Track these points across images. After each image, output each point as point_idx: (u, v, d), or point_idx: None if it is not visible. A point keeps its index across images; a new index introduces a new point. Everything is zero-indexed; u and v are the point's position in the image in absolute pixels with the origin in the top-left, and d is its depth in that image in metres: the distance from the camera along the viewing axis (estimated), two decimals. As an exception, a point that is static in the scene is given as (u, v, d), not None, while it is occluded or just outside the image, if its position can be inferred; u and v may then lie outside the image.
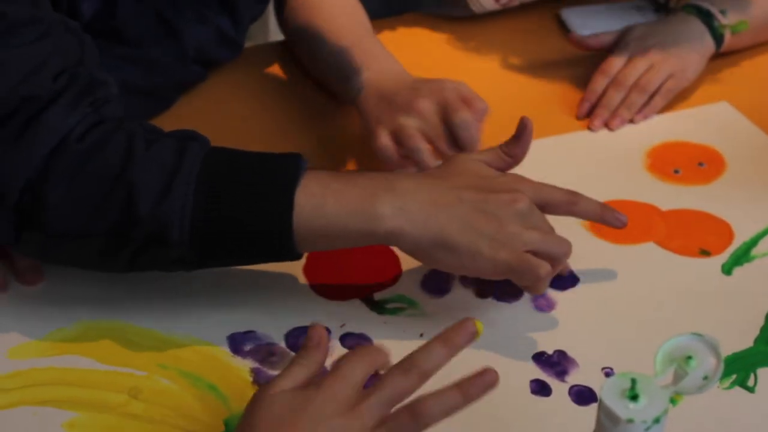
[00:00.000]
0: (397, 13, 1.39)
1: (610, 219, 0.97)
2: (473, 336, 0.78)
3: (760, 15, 1.31)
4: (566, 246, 0.92)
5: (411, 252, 0.91)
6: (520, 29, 1.38)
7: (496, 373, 0.75)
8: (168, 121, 1.17)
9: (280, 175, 0.89)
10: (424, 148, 1.03)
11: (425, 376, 0.76)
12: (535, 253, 0.90)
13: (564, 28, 1.37)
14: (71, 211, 0.87)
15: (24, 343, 0.93)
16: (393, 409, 0.75)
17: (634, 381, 0.59)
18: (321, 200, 0.88)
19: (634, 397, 0.60)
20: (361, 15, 1.23)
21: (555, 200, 0.95)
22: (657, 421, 0.59)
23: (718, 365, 0.64)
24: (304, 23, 1.23)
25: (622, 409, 0.59)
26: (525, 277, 0.90)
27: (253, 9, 1.23)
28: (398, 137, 1.05)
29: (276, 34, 1.30)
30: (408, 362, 0.77)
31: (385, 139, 1.05)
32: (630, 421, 0.59)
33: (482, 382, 0.75)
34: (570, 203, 0.96)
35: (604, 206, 0.97)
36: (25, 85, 0.87)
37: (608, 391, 0.60)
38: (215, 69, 1.23)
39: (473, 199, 0.90)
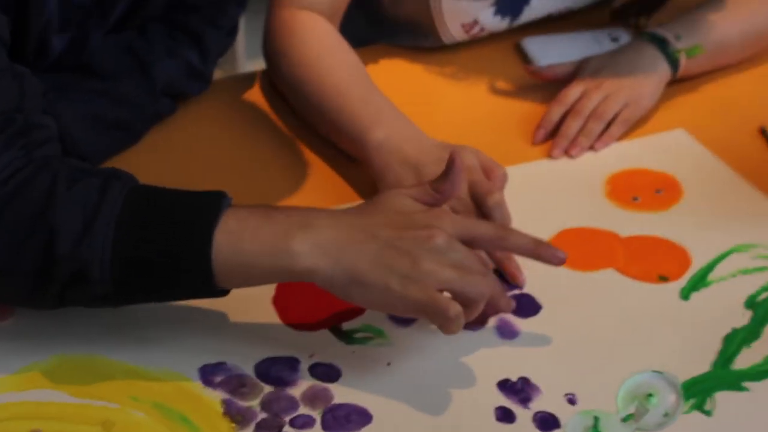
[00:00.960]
0: (363, 45, 1.39)
1: (546, 255, 0.94)
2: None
3: (716, 39, 1.32)
4: (484, 287, 0.89)
5: (327, 288, 0.89)
6: (486, 59, 1.38)
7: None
8: (138, 154, 1.18)
9: (199, 214, 0.88)
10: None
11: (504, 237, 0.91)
12: (452, 292, 0.88)
13: (525, 57, 1.38)
14: None
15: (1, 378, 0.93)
16: None
17: (597, 419, 0.60)
18: (239, 238, 0.87)
19: None
20: (362, 69, 1.21)
21: (482, 235, 0.93)
22: None
23: (678, 402, 0.65)
24: (304, 77, 1.20)
25: None
26: (434, 318, 0.87)
27: (222, 43, 1.23)
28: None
29: (243, 66, 1.31)
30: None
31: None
32: None
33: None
34: (499, 238, 0.94)
35: (539, 242, 0.94)
36: None
37: (572, 429, 0.61)
38: (184, 102, 1.23)
39: (388, 236, 0.89)
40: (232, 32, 1.25)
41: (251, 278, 0.90)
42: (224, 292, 0.91)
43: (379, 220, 0.91)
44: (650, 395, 0.65)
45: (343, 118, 1.14)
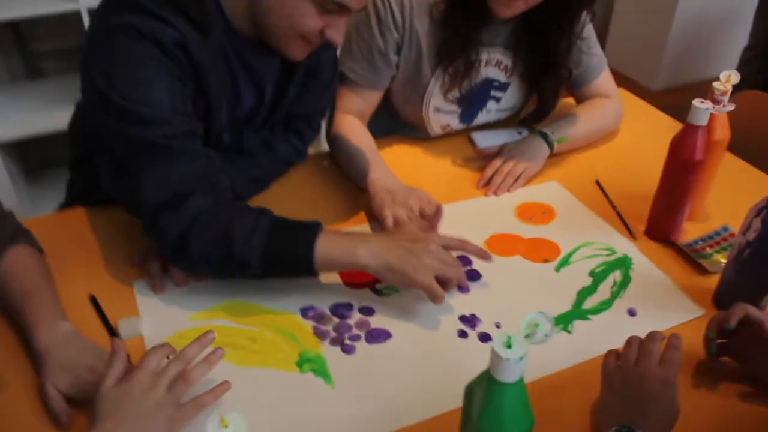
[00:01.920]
0: (387, 135, 1.34)
1: (484, 256, 0.97)
2: (215, 362, 0.78)
3: (574, 134, 1.29)
4: (455, 273, 0.91)
5: (374, 274, 0.89)
6: (452, 144, 1.33)
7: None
8: (269, 196, 1.14)
9: (308, 232, 0.88)
10: (410, 227, 1.01)
11: (188, 361, 0.76)
12: (440, 276, 0.89)
13: (473, 143, 1.33)
14: (201, 247, 0.87)
15: (197, 312, 0.93)
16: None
17: (509, 337, 0.60)
18: (328, 246, 0.88)
19: (509, 346, 0.60)
20: (373, 144, 1.17)
21: (452, 245, 0.94)
22: (521, 358, 0.59)
23: (551, 329, 0.64)
24: (341, 142, 1.18)
25: (504, 352, 0.60)
26: (429, 294, 0.89)
27: (312, 135, 1.19)
28: (397, 219, 1.02)
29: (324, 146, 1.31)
30: (181, 354, 0.76)
31: (389, 221, 1.01)
32: (507, 359, 0.59)
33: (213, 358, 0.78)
34: (461, 246, 0.95)
35: (482, 250, 0.97)
36: (184, 185, 0.87)
37: (496, 343, 0.59)
38: (293, 167, 1.20)
39: (406, 246, 0.90)
40: (318, 128, 1.20)
41: (333, 268, 0.91)
42: (317, 274, 0.91)
43: (401, 238, 0.91)
44: (537, 324, 0.66)
45: (359, 168, 1.12)
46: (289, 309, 0.95)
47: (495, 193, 1.21)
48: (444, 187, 1.20)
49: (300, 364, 0.87)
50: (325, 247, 0.88)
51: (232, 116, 1.02)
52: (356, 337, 0.91)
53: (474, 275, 1.03)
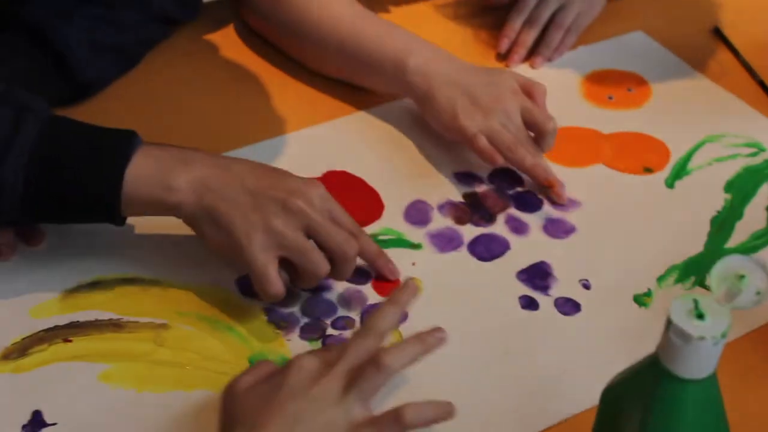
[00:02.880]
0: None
1: (381, 267, 0.93)
2: (416, 292, 0.81)
3: None
4: (321, 267, 0.87)
5: (189, 224, 0.88)
6: None
7: (445, 332, 0.78)
8: (135, 78, 1.15)
9: (112, 147, 0.86)
10: (529, 158, 1.02)
11: (382, 336, 0.78)
12: (291, 260, 0.86)
13: None
14: None
15: (44, 302, 0.90)
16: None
17: (696, 301, 0.60)
18: (143, 172, 0.85)
19: (700, 316, 0.60)
20: (360, 5, 1.14)
21: (342, 222, 0.90)
22: (724, 335, 0.60)
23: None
24: (312, 18, 1.12)
25: (692, 327, 0.60)
26: (255, 284, 0.86)
27: None
28: (494, 141, 1.01)
29: None
30: (365, 327, 0.78)
31: (485, 142, 1.01)
32: (701, 338, 0.60)
33: (437, 336, 0.78)
34: (357, 234, 0.91)
35: (379, 253, 0.93)
36: None
37: (676, 313, 0.60)
38: (177, 27, 1.20)
39: (254, 186, 0.87)
40: None
41: (143, 209, 0.88)
42: (124, 220, 0.89)
43: (254, 172, 0.88)
44: (742, 276, 0.65)
45: (372, 51, 1.08)
46: (219, 282, 0.93)
47: (531, 65, 1.23)
48: None
49: None
50: (140, 175, 0.85)
51: None
52: (344, 322, 0.91)
53: (531, 201, 1.04)
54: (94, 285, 0.92)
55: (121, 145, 0.86)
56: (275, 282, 0.85)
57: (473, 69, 1.08)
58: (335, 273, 0.88)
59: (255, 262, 0.84)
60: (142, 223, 0.95)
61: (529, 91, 1.07)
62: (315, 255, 0.86)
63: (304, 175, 0.91)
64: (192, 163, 0.87)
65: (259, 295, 0.87)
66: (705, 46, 1.26)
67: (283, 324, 0.90)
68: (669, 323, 0.61)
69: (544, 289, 0.94)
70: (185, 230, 0.91)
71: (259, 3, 1.17)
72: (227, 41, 1.22)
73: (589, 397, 0.72)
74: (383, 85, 1.11)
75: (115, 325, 0.89)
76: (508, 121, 1.03)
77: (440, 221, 0.99)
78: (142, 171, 0.85)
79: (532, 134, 1.05)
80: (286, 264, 0.86)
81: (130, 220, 0.91)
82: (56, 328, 0.88)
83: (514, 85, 1.06)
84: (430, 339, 0.78)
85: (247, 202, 0.85)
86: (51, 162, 0.84)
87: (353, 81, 1.13)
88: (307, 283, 0.88)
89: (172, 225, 0.90)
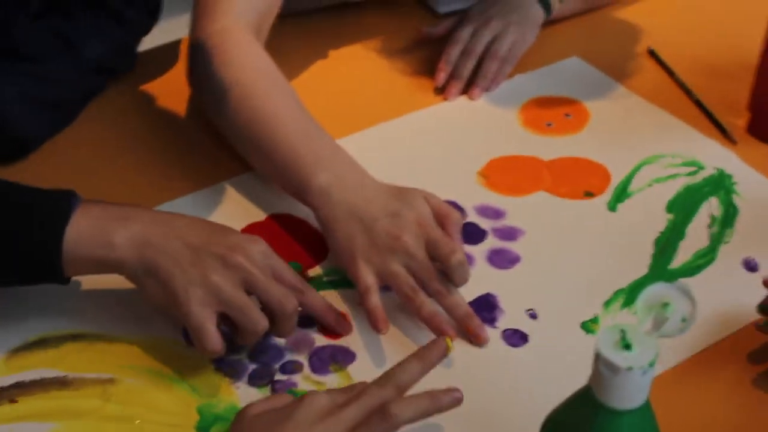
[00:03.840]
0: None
1: (330, 322, 0.91)
2: (445, 352, 0.80)
3: None
4: (259, 324, 0.85)
5: (131, 281, 0.87)
6: (378, 16, 1.36)
7: (461, 392, 0.78)
8: (73, 133, 1.14)
9: (52, 207, 0.85)
10: (426, 308, 0.91)
11: (401, 390, 0.78)
12: (229, 315, 0.85)
13: (428, 9, 1.37)
14: None
15: None
16: None
17: (623, 332, 0.60)
18: (84, 230, 0.85)
19: (627, 347, 0.60)
20: (298, 99, 1.05)
21: (287, 281, 0.88)
22: (651, 365, 0.60)
23: (694, 307, 0.65)
24: (237, 106, 1.03)
25: (620, 359, 0.59)
26: (194, 339, 0.84)
27: (144, 23, 1.20)
28: (392, 286, 0.93)
29: (168, 35, 1.25)
30: (385, 377, 0.78)
31: (374, 302, 0.92)
32: (629, 369, 0.59)
33: (452, 395, 0.78)
34: (299, 292, 0.88)
35: (329, 308, 0.91)
36: None
37: (603, 344, 0.60)
38: (113, 78, 1.20)
39: (194, 243, 0.85)
40: (154, 13, 1.20)
41: (87, 268, 0.87)
42: (68, 279, 0.88)
43: (195, 228, 0.87)
44: (666, 304, 0.65)
45: (283, 157, 0.99)
46: (163, 333, 0.92)
47: (470, 96, 1.22)
48: (384, 94, 1.21)
49: (204, 428, 0.85)
50: (80, 235, 0.84)
51: None
52: (293, 366, 0.90)
53: (475, 233, 1.03)
54: (40, 343, 0.91)
55: (59, 205, 0.85)
56: (212, 337, 0.83)
57: (380, 194, 0.96)
58: (276, 329, 0.87)
59: (192, 317, 0.83)
60: (86, 280, 0.94)
61: (442, 218, 0.96)
62: (252, 312, 0.85)
63: (247, 219, 0.90)
64: (132, 219, 0.86)
65: (198, 350, 0.85)
66: (641, 68, 1.27)
67: (230, 371, 0.89)
68: (597, 355, 0.60)
69: (490, 321, 0.93)
70: (130, 284, 0.90)
71: (194, 75, 1.11)
72: (165, 90, 1.22)
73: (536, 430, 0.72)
74: (290, 193, 1.01)
75: (60, 383, 0.88)
76: (411, 260, 0.92)
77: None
78: (82, 230, 0.84)
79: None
80: (227, 319, 0.85)
81: (75, 277, 0.90)
82: (1, 389, 0.86)
83: (422, 213, 0.95)
84: (444, 398, 0.77)
85: (187, 256, 0.84)
86: None
87: (267, 179, 1.06)
88: (246, 339, 0.86)
89: (116, 281, 0.89)
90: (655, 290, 0.65)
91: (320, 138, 1.01)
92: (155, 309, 0.89)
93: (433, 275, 0.92)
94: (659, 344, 0.61)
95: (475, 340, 0.91)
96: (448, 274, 0.93)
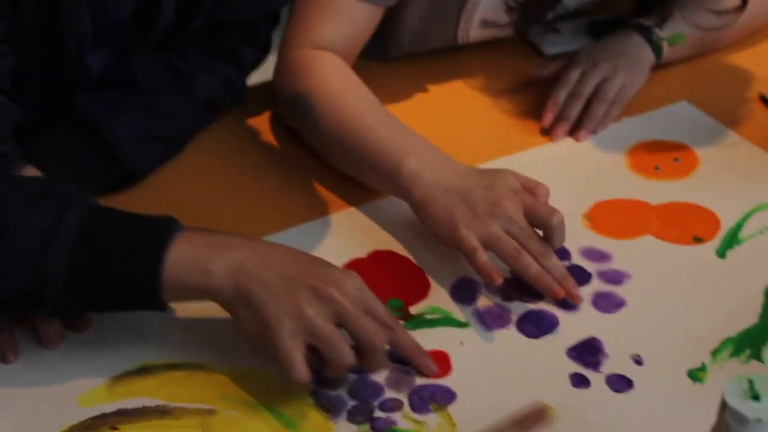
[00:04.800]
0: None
1: (419, 362, 0.90)
2: (545, 420, 0.81)
3: (695, 31, 1.31)
4: (348, 358, 0.85)
5: (225, 308, 0.88)
6: (491, 56, 1.37)
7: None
8: (180, 164, 1.15)
9: (150, 237, 0.86)
10: (533, 267, 0.96)
11: None
12: (319, 347, 0.85)
13: (535, 50, 1.37)
14: None
15: (91, 390, 0.89)
16: None
17: (752, 382, 0.59)
18: (183, 260, 0.85)
19: (755, 397, 0.59)
20: (381, 106, 1.11)
21: (377, 316, 0.87)
22: None
23: None
24: (326, 114, 1.10)
25: (748, 409, 0.59)
26: (280, 368, 0.84)
27: (255, 59, 1.21)
28: (495, 249, 0.97)
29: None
30: None
31: (484, 259, 0.96)
32: (758, 420, 0.58)
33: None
34: (388, 329, 0.88)
35: (417, 348, 0.90)
36: None
37: (731, 394, 0.59)
38: (222, 113, 1.21)
39: (290, 273, 0.86)
40: (266, 48, 1.22)
41: (186, 296, 0.88)
42: (166, 305, 0.88)
43: (291, 259, 0.88)
44: None
45: (372, 152, 1.05)
46: (262, 364, 0.92)
47: (576, 138, 1.22)
48: (489, 134, 1.21)
49: None
50: (179, 261, 0.85)
51: (101, 24, 1.02)
52: (392, 404, 0.89)
53: (578, 276, 1.02)
54: (140, 371, 0.92)
55: (160, 232, 0.86)
56: (300, 368, 0.84)
57: (470, 172, 1.02)
58: (365, 364, 0.87)
59: (282, 346, 0.84)
60: (185, 308, 0.94)
61: (531, 189, 1.01)
62: (341, 346, 0.85)
63: (349, 255, 0.90)
64: (230, 247, 0.87)
65: (283, 380, 0.85)
66: (751, 114, 1.26)
67: (330, 407, 0.89)
68: (724, 405, 0.59)
69: (594, 365, 0.92)
70: (227, 315, 0.90)
71: (283, 95, 1.17)
72: (271, 124, 1.23)
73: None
74: (383, 187, 1.07)
75: (161, 412, 0.88)
76: (511, 224, 0.97)
77: (487, 299, 0.98)
78: (181, 256, 0.85)
79: (540, 232, 1.00)
80: (316, 351, 0.86)
81: (175, 305, 0.91)
82: (103, 416, 0.87)
83: (514, 184, 1.00)
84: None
85: (281, 286, 0.85)
86: (92, 253, 0.85)
87: (359, 180, 1.11)
88: (332, 372, 0.87)
89: (214, 310, 0.90)
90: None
91: (408, 132, 1.07)
92: (245, 339, 0.89)
93: (534, 237, 0.97)
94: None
95: (571, 299, 0.96)
96: (547, 236, 0.98)
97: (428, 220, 1.00)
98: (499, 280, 0.95)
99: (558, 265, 0.97)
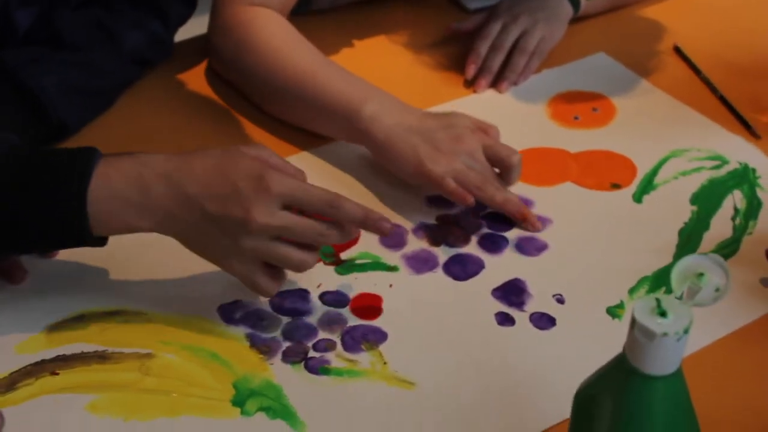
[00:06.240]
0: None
1: (372, 227, 0.89)
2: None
3: None
4: (300, 261, 0.87)
5: (180, 241, 0.89)
6: (412, 11, 1.38)
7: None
8: (111, 120, 1.15)
9: (72, 165, 0.85)
10: (499, 195, 1.02)
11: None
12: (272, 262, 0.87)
13: (457, 4, 1.38)
14: None
15: (29, 338, 0.90)
16: None
17: (658, 300, 0.61)
18: (111, 186, 0.85)
19: (663, 314, 0.61)
20: (323, 55, 1.13)
21: (314, 200, 0.87)
22: (686, 331, 0.61)
23: (727, 278, 0.66)
24: (274, 66, 1.12)
25: (656, 325, 0.61)
26: (247, 285, 0.88)
27: (182, 14, 1.21)
28: (461, 182, 1.00)
29: (202, 27, 1.27)
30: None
31: (454, 184, 1.00)
32: (665, 334, 0.61)
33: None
34: (331, 206, 0.87)
35: (368, 213, 0.88)
36: None
37: (640, 312, 0.61)
38: (150, 69, 1.21)
39: (212, 213, 0.85)
40: (191, 3, 1.21)
41: (114, 228, 0.87)
42: (102, 241, 0.88)
43: (208, 190, 0.86)
44: (701, 274, 0.66)
45: (329, 100, 1.07)
46: (198, 312, 0.93)
47: (497, 89, 1.24)
48: (413, 87, 1.22)
49: (240, 402, 0.86)
50: (103, 188, 0.84)
51: None
52: (326, 344, 0.91)
53: (502, 220, 1.04)
54: (78, 319, 0.93)
55: (81, 162, 0.84)
56: (265, 286, 0.88)
57: (427, 115, 1.07)
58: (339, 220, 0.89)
59: (240, 276, 0.88)
60: (124, 258, 0.95)
61: (483, 130, 1.07)
62: (291, 258, 0.87)
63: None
64: (149, 187, 0.85)
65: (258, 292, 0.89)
66: (666, 65, 1.28)
67: (265, 349, 0.90)
68: (633, 322, 0.62)
69: (519, 305, 0.95)
70: (168, 264, 0.93)
71: (223, 51, 1.18)
72: (200, 80, 1.23)
73: (566, 408, 0.73)
74: (339, 133, 1.10)
75: (100, 357, 0.89)
76: (472, 161, 1.02)
77: (415, 243, 1.00)
78: (103, 194, 0.84)
79: (496, 170, 1.05)
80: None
81: (113, 255, 0.92)
82: (43, 362, 0.88)
83: (470, 124, 1.05)
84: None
85: (213, 229, 0.86)
86: (14, 187, 0.84)
87: (312, 129, 1.13)
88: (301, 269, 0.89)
89: (151, 259, 0.92)
90: (690, 261, 0.65)
91: (361, 81, 1.09)
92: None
93: (492, 174, 1.03)
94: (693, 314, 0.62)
95: (532, 225, 1.02)
96: (504, 174, 1.04)
97: (392, 159, 1.03)
98: (471, 200, 0.99)
99: (515, 196, 1.03)
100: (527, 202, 1.06)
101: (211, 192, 0.85)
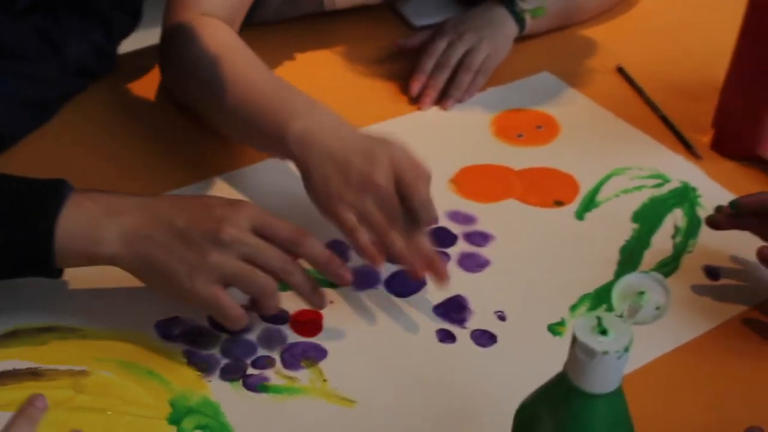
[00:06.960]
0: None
1: (332, 274, 0.89)
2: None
3: (557, 3, 1.35)
4: (266, 284, 0.86)
5: (132, 273, 0.88)
6: (354, 28, 1.38)
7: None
8: (52, 131, 1.14)
9: (42, 200, 0.85)
10: (397, 244, 0.93)
11: None
12: (237, 286, 0.87)
13: (404, 20, 1.39)
14: None
15: None
16: None
17: (599, 318, 0.62)
18: (75, 224, 0.85)
19: (603, 332, 0.61)
20: (268, 69, 1.08)
21: (277, 235, 0.87)
22: (627, 349, 0.61)
23: (668, 297, 0.66)
24: (210, 77, 1.06)
25: (596, 343, 0.61)
26: (216, 315, 0.87)
27: (127, 26, 1.20)
28: (363, 221, 0.94)
29: (147, 40, 1.26)
30: None
31: (365, 240, 0.93)
32: (605, 353, 0.61)
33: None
34: (293, 243, 0.88)
35: (331, 259, 0.89)
36: None
37: (580, 330, 0.61)
38: (93, 81, 1.20)
39: (182, 226, 0.86)
40: (137, 15, 1.20)
41: (77, 261, 0.87)
42: (60, 272, 0.89)
43: (180, 210, 0.88)
44: (642, 293, 0.66)
45: (258, 114, 1.01)
46: (134, 327, 0.93)
47: (442, 107, 1.24)
48: (357, 102, 1.22)
49: (176, 420, 0.85)
50: (71, 225, 0.85)
51: None
52: (265, 361, 0.91)
53: (445, 237, 1.04)
54: (11, 335, 0.91)
55: (50, 196, 0.85)
56: (231, 309, 0.86)
57: (354, 138, 0.97)
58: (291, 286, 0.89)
59: (203, 298, 0.85)
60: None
61: (414, 168, 0.96)
62: (257, 278, 0.86)
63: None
64: (119, 213, 0.86)
65: (226, 326, 0.88)
66: (609, 85, 1.29)
67: (203, 366, 0.89)
68: (574, 340, 0.62)
69: (460, 322, 0.94)
70: (104, 279, 0.91)
71: (171, 58, 1.15)
72: (145, 92, 1.23)
73: (507, 426, 0.73)
74: (268, 149, 1.05)
75: (33, 374, 0.87)
76: (382, 200, 0.94)
77: (357, 260, 0.99)
78: (72, 225, 0.84)
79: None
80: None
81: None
82: (-27, 379, 0.86)
83: (396, 155, 0.96)
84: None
85: (179, 244, 0.85)
86: None
87: (245, 143, 1.10)
88: (264, 304, 0.87)
89: (88, 275, 0.90)
90: (631, 280, 0.65)
91: (295, 93, 1.03)
92: (164, 296, 0.89)
93: (400, 216, 0.94)
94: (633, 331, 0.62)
95: (438, 280, 0.95)
96: (412, 215, 0.95)
97: (307, 187, 0.98)
98: (381, 263, 0.93)
99: (425, 244, 0.95)
100: (470, 219, 1.06)
101: (181, 208, 0.87)
